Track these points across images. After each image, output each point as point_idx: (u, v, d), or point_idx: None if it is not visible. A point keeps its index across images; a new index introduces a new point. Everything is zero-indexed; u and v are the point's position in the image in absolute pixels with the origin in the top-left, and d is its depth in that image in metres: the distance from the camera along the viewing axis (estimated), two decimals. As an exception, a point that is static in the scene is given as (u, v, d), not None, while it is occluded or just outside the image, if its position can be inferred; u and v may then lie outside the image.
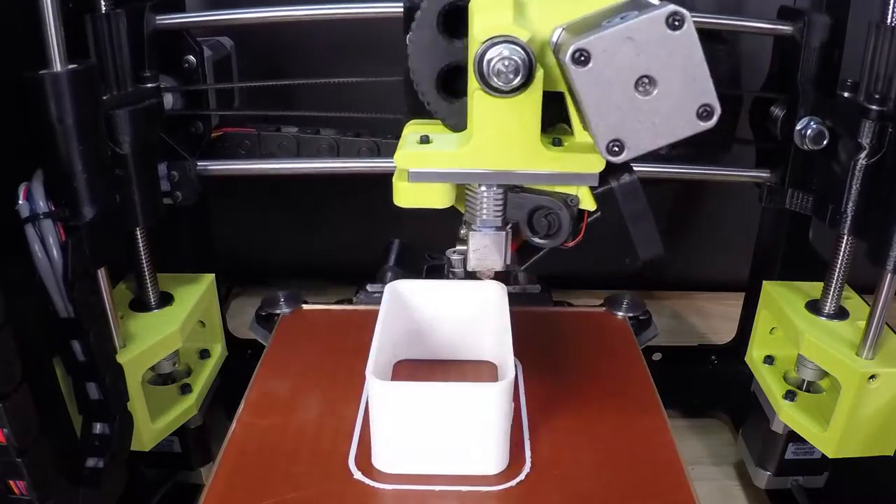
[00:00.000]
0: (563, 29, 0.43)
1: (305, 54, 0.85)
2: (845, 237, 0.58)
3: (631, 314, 0.71)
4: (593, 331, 0.68)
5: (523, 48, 0.41)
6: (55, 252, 0.47)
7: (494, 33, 0.41)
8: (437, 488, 0.49)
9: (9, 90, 0.46)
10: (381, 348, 0.52)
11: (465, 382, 0.49)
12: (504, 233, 0.49)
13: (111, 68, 0.54)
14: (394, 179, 0.49)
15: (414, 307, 0.60)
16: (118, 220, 0.54)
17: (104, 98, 0.53)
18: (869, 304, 0.57)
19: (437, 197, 0.48)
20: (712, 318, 0.99)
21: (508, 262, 0.50)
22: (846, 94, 0.57)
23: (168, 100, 0.62)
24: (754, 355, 0.68)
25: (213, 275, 0.68)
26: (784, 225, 0.71)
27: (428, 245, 0.62)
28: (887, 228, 0.52)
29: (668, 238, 1.07)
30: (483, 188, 0.48)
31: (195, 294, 0.65)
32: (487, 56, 0.41)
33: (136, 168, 0.55)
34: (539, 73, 0.43)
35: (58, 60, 0.47)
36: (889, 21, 0.53)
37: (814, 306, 0.63)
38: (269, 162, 0.68)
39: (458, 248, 0.51)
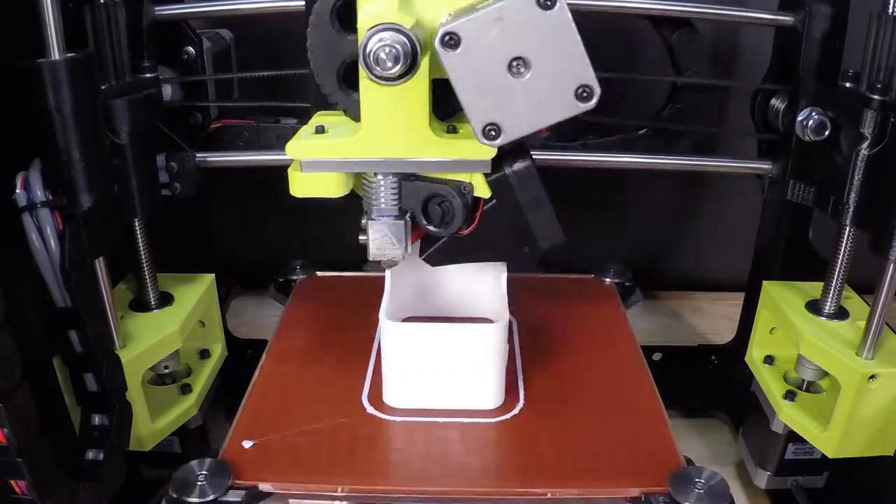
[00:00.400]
0: (450, 15, 0.43)
1: (304, 46, 0.85)
2: (847, 228, 0.58)
3: (617, 280, 0.77)
4: (583, 295, 0.75)
5: (406, 35, 0.41)
6: (52, 241, 0.47)
7: (378, 21, 0.41)
8: (441, 420, 0.55)
9: (7, 79, 0.46)
10: (392, 299, 0.57)
11: (465, 323, 0.55)
12: (403, 222, 0.49)
13: (109, 58, 0.54)
14: (289, 171, 0.49)
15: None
16: (116, 210, 0.54)
17: (102, 88, 0.52)
18: (869, 304, 0.57)
19: (332, 186, 0.49)
20: (712, 318, 0.99)
21: (409, 251, 0.50)
22: (848, 85, 0.57)
23: (167, 91, 0.62)
24: (754, 355, 0.68)
25: (213, 275, 0.68)
26: (784, 225, 0.71)
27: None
28: (890, 218, 0.52)
29: (669, 238, 1.08)
30: (379, 177, 0.48)
31: (195, 294, 0.65)
32: (370, 44, 0.41)
33: (135, 158, 0.55)
34: (425, 61, 0.43)
35: (56, 49, 0.46)
36: (891, 10, 0.52)
37: (814, 306, 0.63)
38: (267, 153, 0.67)
39: (360, 237, 0.51)
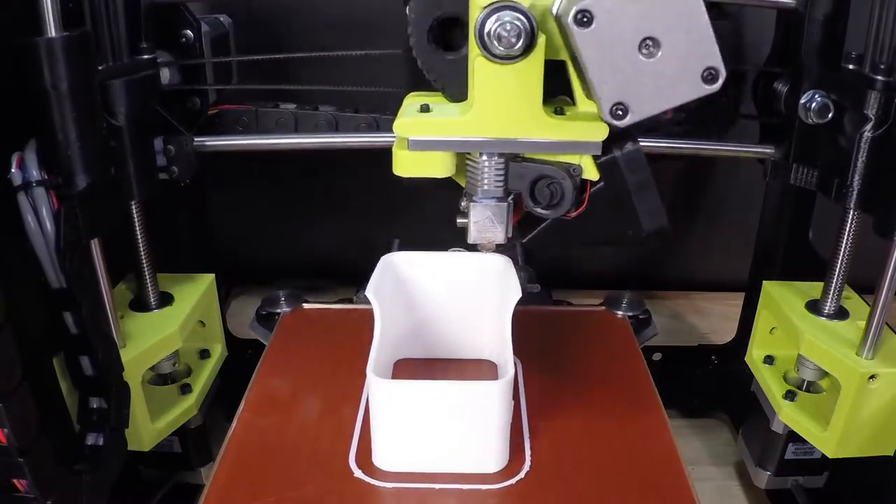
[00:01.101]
0: None
1: (304, 32, 0.84)
2: (851, 212, 0.58)
3: (630, 313, 0.71)
4: (593, 330, 0.68)
5: (525, 14, 0.41)
6: (48, 221, 0.46)
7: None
8: (438, 486, 0.49)
9: (3, 58, 0.45)
10: (382, 347, 0.52)
11: (464, 381, 0.49)
12: (506, 204, 0.48)
13: (107, 39, 0.53)
14: (393, 149, 0.48)
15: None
16: (113, 192, 0.53)
17: (100, 68, 0.52)
18: (869, 304, 0.57)
19: (437, 166, 0.48)
20: (712, 318, 0.99)
21: (510, 234, 0.49)
22: (851, 67, 0.56)
23: (165, 75, 0.62)
24: (754, 355, 0.68)
25: (213, 275, 0.68)
26: (784, 225, 0.71)
27: (427, 245, 0.62)
28: (895, 199, 0.52)
29: (669, 238, 1.08)
30: (484, 157, 0.47)
31: (195, 294, 0.65)
32: (489, 22, 0.41)
33: (132, 140, 0.55)
34: (541, 40, 0.43)
35: (52, 27, 0.46)
36: None
37: (814, 306, 0.63)
38: (266, 137, 0.67)
39: (459, 220, 0.50)
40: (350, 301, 0.74)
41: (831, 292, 0.61)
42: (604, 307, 0.72)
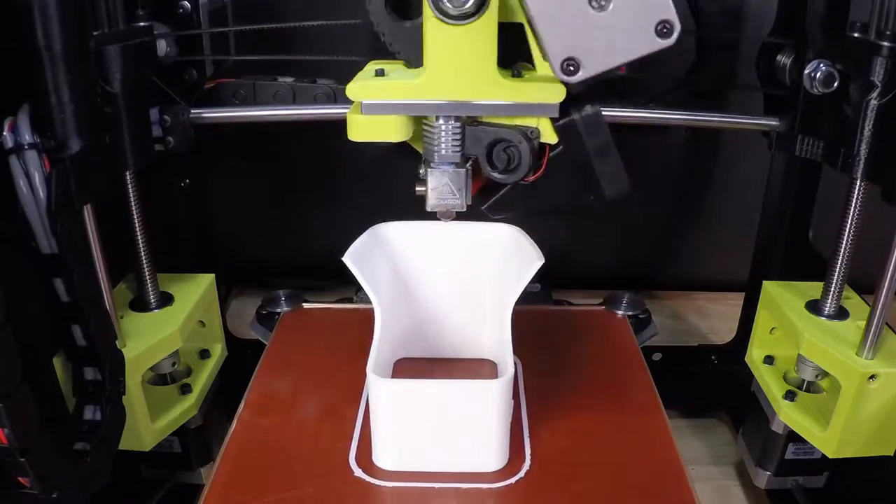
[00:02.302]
0: None
1: (303, 9, 0.84)
2: (858, 182, 0.57)
3: (630, 313, 0.71)
4: (593, 329, 0.68)
5: None
6: (39, 184, 0.46)
7: None
8: (437, 485, 0.49)
9: None
10: (382, 345, 0.52)
11: (464, 380, 0.49)
12: (464, 170, 0.48)
13: (102, 4, 0.53)
14: (348, 115, 0.48)
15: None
16: (106, 159, 0.53)
17: (95, 34, 0.52)
18: (869, 304, 0.57)
19: (393, 130, 0.48)
20: (712, 318, 0.99)
21: (469, 201, 0.49)
22: (856, 35, 0.56)
23: (162, 47, 0.61)
24: (754, 355, 0.68)
25: (213, 275, 0.68)
26: (784, 225, 0.71)
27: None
28: None
29: (669, 237, 1.08)
30: (441, 121, 0.47)
31: (195, 294, 0.65)
32: None
33: (127, 108, 0.54)
34: (494, 0, 0.42)
35: None
36: None
37: (814, 306, 0.63)
38: (263, 109, 0.65)
39: (418, 188, 0.49)
40: (350, 301, 0.74)
41: (831, 292, 0.61)
42: (604, 307, 0.72)
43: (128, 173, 0.58)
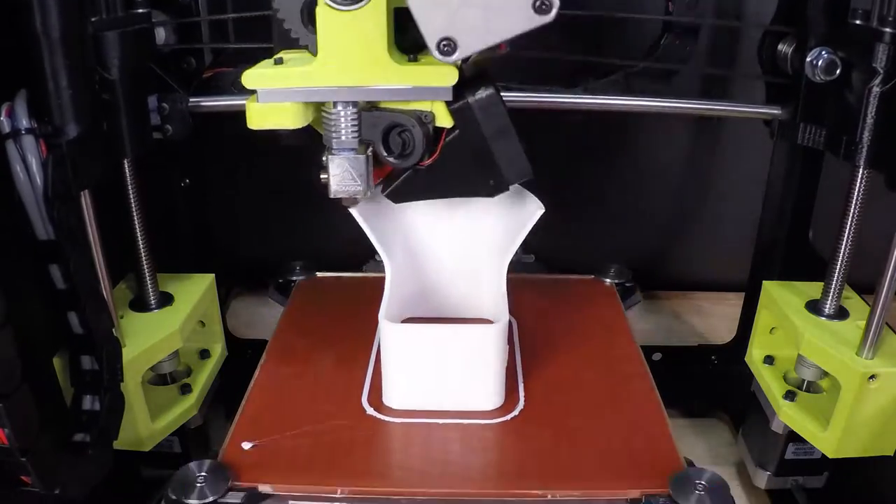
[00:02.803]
0: None
1: None
2: (860, 170, 0.57)
3: (618, 281, 0.77)
4: (583, 295, 0.74)
5: None
6: (36, 169, 0.46)
7: None
8: (441, 421, 0.55)
9: None
10: (392, 300, 0.56)
11: (464, 324, 0.55)
12: (364, 156, 0.48)
13: None
14: (247, 103, 0.48)
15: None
16: (104, 146, 0.53)
17: (93, 20, 0.52)
18: (869, 304, 0.57)
19: (290, 117, 0.48)
20: (712, 318, 0.99)
21: (371, 187, 0.49)
22: (858, 22, 0.56)
23: (160, 35, 0.61)
24: (754, 355, 0.68)
25: (213, 275, 0.68)
26: (784, 225, 0.71)
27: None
28: None
29: (669, 237, 1.08)
30: (339, 107, 0.47)
31: (195, 294, 0.65)
32: None
33: (125, 95, 0.55)
34: None
35: None
36: None
37: (814, 306, 0.63)
38: None
39: (321, 175, 0.49)
40: (360, 271, 0.79)
41: (831, 292, 0.61)
42: (593, 276, 0.78)
43: (126, 162, 0.58)
